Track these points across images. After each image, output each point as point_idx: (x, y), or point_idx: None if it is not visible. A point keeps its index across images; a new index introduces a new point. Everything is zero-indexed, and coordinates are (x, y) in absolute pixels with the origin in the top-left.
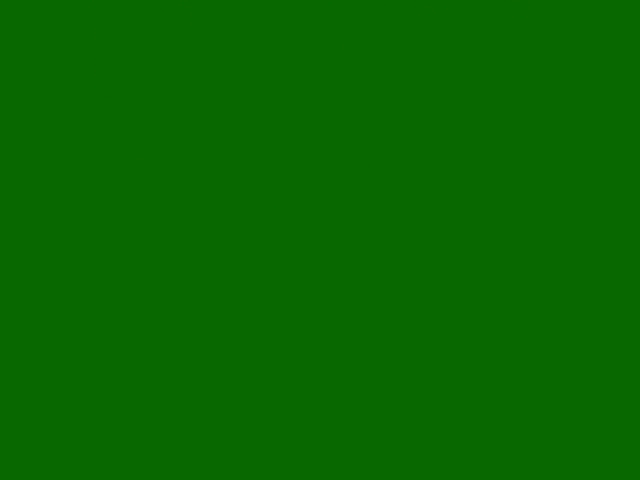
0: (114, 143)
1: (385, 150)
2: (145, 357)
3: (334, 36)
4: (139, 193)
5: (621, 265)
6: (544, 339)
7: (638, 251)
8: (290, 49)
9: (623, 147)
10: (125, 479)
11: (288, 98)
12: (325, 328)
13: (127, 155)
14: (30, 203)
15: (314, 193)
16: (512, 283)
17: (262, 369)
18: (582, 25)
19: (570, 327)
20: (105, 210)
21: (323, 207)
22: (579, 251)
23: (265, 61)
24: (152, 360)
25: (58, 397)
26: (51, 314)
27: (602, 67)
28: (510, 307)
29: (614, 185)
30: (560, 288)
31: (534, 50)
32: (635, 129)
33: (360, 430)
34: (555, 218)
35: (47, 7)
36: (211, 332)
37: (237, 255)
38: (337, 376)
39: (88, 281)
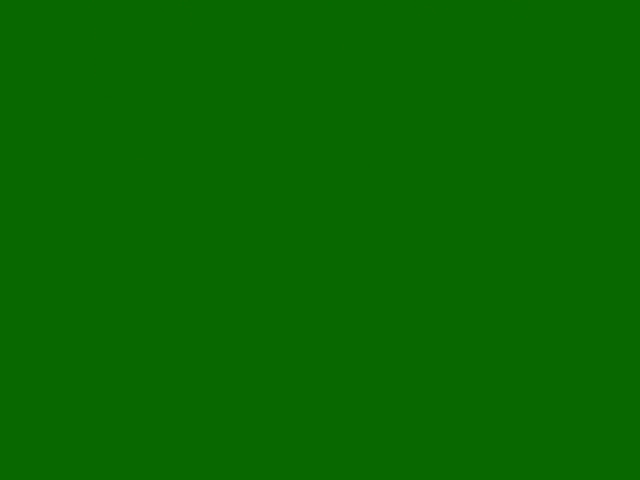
0: (114, 143)
1: (385, 150)
2: (145, 356)
3: (334, 36)
4: (139, 193)
5: (621, 265)
6: (544, 339)
7: (638, 251)
8: (290, 49)
9: (623, 147)
10: (125, 479)
11: (288, 98)
12: (325, 328)
13: (127, 155)
14: (30, 203)
15: (314, 193)
16: (512, 283)
17: (262, 369)
18: (582, 25)
19: (570, 327)
20: (105, 210)
21: (323, 207)
22: (579, 251)
23: (265, 61)
24: (152, 359)
25: (58, 397)
26: (51, 314)
27: (602, 67)
28: (510, 307)
29: (614, 185)
30: (560, 288)
31: (534, 50)
32: (635, 129)
33: (360, 430)
34: (555, 218)
35: (47, 7)
36: (211, 331)
37: (237, 255)
38: (337, 376)
39: (88, 281)
